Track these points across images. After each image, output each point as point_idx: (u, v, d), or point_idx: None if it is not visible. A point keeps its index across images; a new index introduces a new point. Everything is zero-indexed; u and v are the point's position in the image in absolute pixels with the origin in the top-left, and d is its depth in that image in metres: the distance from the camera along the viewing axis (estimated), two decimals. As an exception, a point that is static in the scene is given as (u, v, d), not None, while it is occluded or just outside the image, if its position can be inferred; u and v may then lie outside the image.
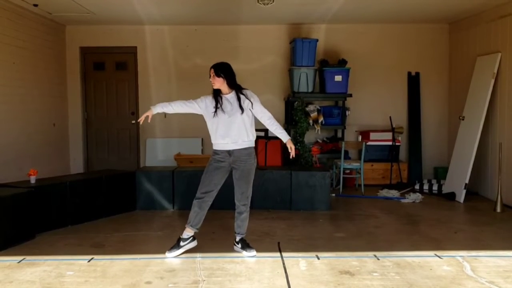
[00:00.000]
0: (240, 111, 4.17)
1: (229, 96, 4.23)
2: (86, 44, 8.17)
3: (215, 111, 4.18)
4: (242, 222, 4.32)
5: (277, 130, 4.29)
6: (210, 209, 5.86)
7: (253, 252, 4.24)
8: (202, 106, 4.27)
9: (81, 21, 7.72)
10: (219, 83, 4.22)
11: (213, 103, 4.22)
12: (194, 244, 4.37)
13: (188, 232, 4.31)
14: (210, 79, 4.26)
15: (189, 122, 8.22)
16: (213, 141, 4.28)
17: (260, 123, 4.35)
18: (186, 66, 8.18)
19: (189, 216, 4.32)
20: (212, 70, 4.26)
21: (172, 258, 4.19)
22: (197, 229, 4.32)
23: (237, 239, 4.35)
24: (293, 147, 4.28)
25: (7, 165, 6.17)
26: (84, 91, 8.32)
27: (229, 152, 4.21)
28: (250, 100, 4.22)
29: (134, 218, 5.72)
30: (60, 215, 5.19)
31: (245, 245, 4.31)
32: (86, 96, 8.34)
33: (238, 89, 4.26)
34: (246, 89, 4.31)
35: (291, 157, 4.28)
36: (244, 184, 4.25)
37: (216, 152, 4.26)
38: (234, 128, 4.17)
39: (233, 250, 4.35)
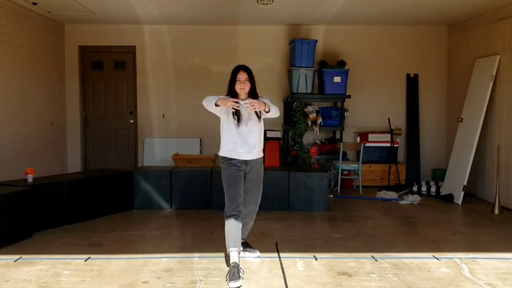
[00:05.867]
0: (257, 119, 3.88)
1: (245, 103, 3.85)
2: (85, 43, 8.16)
3: (237, 121, 3.83)
4: (252, 220, 4.13)
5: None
6: (208, 209, 5.91)
7: (258, 253, 4.21)
8: (222, 109, 3.87)
9: (80, 20, 7.70)
10: (247, 89, 3.87)
11: (232, 110, 3.81)
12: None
13: (234, 255, 3.75)
14: (239, 85, 3.84)
15: (188, 122, 8.24)
16: (225, 148, 3.91)
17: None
18: (185, 66, 8.17)
19: (227, 240, 3.79)
20: (245, 74, 3.86)
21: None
22: (239, 246, 3.86)
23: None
24: (255, 105, 3.71)
25: (5, 164, 6.15)
26: (83, 90, 8.30)
27: (245, 162, 3.90)
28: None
29: (132, 218, 5.71)
30: (57, 214, 5.17)
31: (247, 246, 4.25)
32: (85, 95, 8.32)
33: (256, 97, 3.90)
34: (262, 97, 3.98)
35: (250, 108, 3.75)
36: (257, 193, 4.02)
37: (230, 161, 3.87)
38: (250, 138, 3.87)
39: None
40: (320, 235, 5.00)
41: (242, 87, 3.87)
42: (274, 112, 3.93)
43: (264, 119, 3.98)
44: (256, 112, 3.86)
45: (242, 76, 3.87)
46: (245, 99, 3.88)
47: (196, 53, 8.13)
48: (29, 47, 6.89)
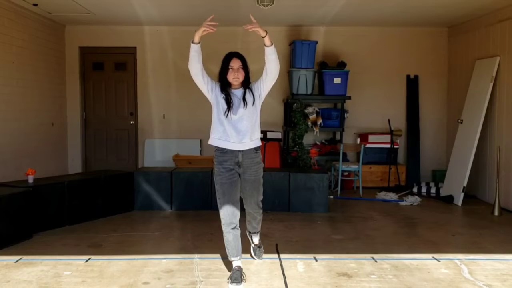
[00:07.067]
0: (242, 105, 3.56)
1: (237, 91, 3.62)
2: (85, 44, 8.17)
3: (227, 109, 3.54)
4: (258, 224, 4.03)
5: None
6: (209, 210, 5.92)
7: (261, 259, 4.16)
8: (212, 90, 3.61)
9: (80, 21, 7.72)
10: (242, 79, 3.56)
11: (223, 96, 3.58)
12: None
13: (237, 262, 3.66)
14: (232, 73, 3.52)
15: (188, 123, 8.25)
16: (214, 135, 3.62)
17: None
18: (185, 67, 8.02)
19: (228, 250, 3.66)
20: (239, 61, 3.54)
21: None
22: (240, 254, 3.70)
23: (257, 241, 4.14)
24: (256, 26, 3.43)
25: (5, 165, 6.16)
26: (83, 91, 8.31)
27: (237, 161, 3.63)
28: (254, 86, 3.63)
29: (132, 219, 5.72)
30: (58, 215, 5.18)
31: (258, 246, 4.16)
32: (85, 96, 8.33)
33: (247, 86, 3.64)
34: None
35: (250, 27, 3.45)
36: (257, 193, 3.79)
37: (222, 163, 3.63)
38: (241, 125, 3.57)
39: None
40: (320, 236, 5.00)
41: (236, 76, 3.55)
42: (275, 53, 3.52)
43: (260, 111, 3.71)
44: (244, 99, 3.56)
45: (235, 63, 3.55)
46: (239, 88, 3.61)
47: (196, 54, 8.11)
48: (30, 48, 6.90)
